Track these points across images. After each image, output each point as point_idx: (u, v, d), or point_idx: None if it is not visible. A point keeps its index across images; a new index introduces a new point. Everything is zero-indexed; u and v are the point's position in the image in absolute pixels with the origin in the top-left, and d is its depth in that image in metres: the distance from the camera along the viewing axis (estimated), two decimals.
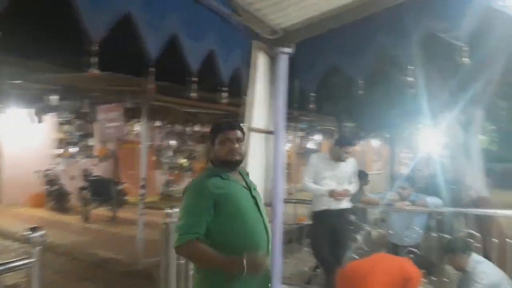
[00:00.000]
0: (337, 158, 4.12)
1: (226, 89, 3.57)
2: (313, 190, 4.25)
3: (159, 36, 2.67)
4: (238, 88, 3.87)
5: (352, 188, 4.16)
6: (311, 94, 4.36)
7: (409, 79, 4.05)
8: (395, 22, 3.89)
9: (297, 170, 12.37)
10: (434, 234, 4.05)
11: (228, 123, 2.19)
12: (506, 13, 3.46)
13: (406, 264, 3.22)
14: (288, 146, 12.33)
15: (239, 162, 2.15)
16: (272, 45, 3.87)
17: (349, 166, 4.16)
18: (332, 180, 4.13)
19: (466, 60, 3.61)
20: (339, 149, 4.07)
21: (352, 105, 8.82)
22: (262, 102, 4.05)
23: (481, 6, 3.43)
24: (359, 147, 14.57)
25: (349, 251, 4.10)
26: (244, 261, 1.85)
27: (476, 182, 5.11)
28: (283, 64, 3.70)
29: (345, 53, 4.26)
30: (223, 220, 1.97)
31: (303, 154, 14.83)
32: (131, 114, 7.70)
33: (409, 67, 3.96)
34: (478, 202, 4.95)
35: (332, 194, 4.02)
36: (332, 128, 13.36)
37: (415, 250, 3.88)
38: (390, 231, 4.14)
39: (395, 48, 4.08)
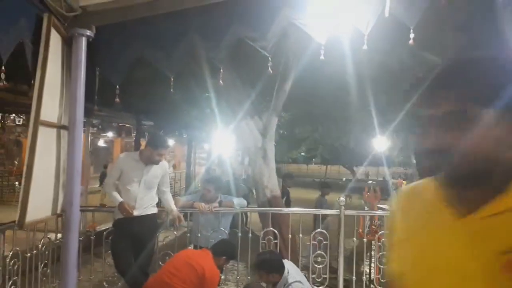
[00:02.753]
0: (149, 160, 3.75)
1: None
2: (110, 196, 3.80)
3: None
4: (24, 70, 3.07)
5: (164, 193, 3.96)
6: (115, 86, 3.88)
7: (220, 82, 4.07)
8: (208, 23, 3.84)
9: (88, 170, 11.17)
10: (239, 234, 4.19)
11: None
12: (303, 30, 3.84)
13: (204, 264, 3.21)
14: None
15: None
16: (68, 24, 3.23)
17: (160, 169, 3.85)
18: (141, 184, 3.75)
19: (269, 70, 3.84)
20: (153, 151, 3.71)
21: (153, 102, 8.51)
22: (55, 91, 3.34)
23: (284, 21, 3.69)
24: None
25: (152, 261, 3.82)
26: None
27: (270, 182, 5.64)
28: (81, 48, 3.13)
29: (155, 46, 3.97)
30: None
31: (93, 153, 13.55)
32: None
33: (217, 69, 3.97)
34: (271, 200, 5.45)
35: (120, 208, 3.67)
36: (129, 125, 12.70)
37: (227, 263, 3.91)
38: (198, 234, 4.05)
39: (206, 49, 4.03)
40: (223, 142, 11.89)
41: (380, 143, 17.73)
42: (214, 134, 12.04)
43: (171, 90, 3.75)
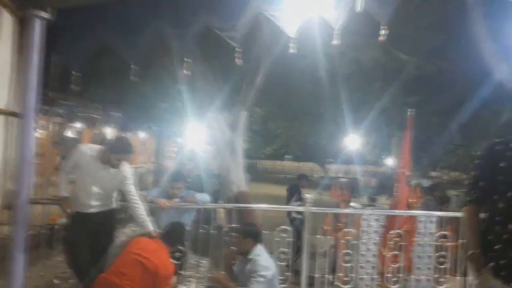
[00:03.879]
0: (108, 162, 3.50)
1: None
2: (59, 189, 3.57)
3: None
4: None
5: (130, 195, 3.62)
6: (75, 74, 3.65)
7: (186, 72, 3.91)
8: (176, 10, 3.67)
9: (52, 161, 10.73)
10: (201, 230, 4.06)
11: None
12: (273, 21, 3.71)
13: (157, 260, 3.06)
14: (41, 134, 10.53)
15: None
16: (22, 4, 3.01)
17: (120, 173, 3.57)
18: (96, 185, 3.50)
19: (239, 61, 3.70)
20: (111, 154, 3.47)
21: (121, 93, 8.21)
22: (5, 75, 3.11)
23: (254, 11, 3.57)
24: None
25: (109, 257, 3.62)
26: None
27: (238, 178, 5.51)
28: (38, 31, 2.91)
29: (120, 33, 3.77)
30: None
31: (60, 143, 13.04)
32: None
33: (186, 59, 3.81)
34: (238, 196, 5.34)
35: (61, 203, 3.52)
36: (97, 116, 12.29)
37: (182, 248, 3.76)
38: (158, 231, 3.87)
39: (174, 38, 3.86)
40: (195, 136, 11.69)
41: (352, 141, 17.96)
42: (185, 127, 11.82)
43: (138, 79, 3.56)
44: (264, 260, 3.36)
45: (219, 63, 5.41)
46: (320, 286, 4.10)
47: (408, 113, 5.05)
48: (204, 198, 4.20)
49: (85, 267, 3.44)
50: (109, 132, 12.41)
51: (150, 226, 3.54)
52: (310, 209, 3.94)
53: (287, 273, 3.94)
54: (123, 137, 4.53)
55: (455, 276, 4.08)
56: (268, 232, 3.97)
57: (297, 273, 4.12)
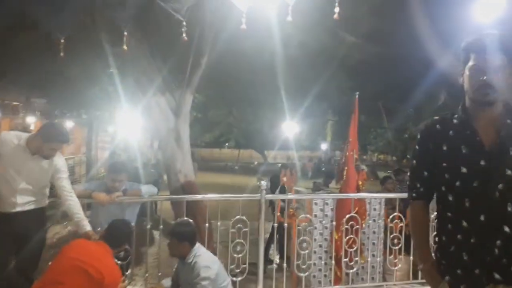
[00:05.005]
0: (37, 151, 2.98)
1: None
2: None
3: None
4: None
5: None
6: None
7: (122, 48, 3.47)
8: None
9: None
10: (148, 226, 3.66)
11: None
12: None
13: (102, 267, 2.67)
14: None
15: None
16: None
17: (52, 165, 3.06)
18: (23, 179, 2.96)
19: (183, 37, 3.35)
20: (43, 143, 2.95)
21: (45, 77, 7.36)
22: None
23: None
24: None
25: (39, 263, 3.13)
26: None
27: (184, 167, 5.15)
28: None
29: (40, 2, 3.23)
30: None
31: None
32: None
33: (121, 34, 3.38)
34: (185, 186, 4.99)
35: None
36: (17, 103, 11.06)
37: (127, 247, 3.36)
38: (98, 229, 3.42)
39: (107, 7, 3.40)
40: (130, 124, 10.97)
41: (290, 127, 18.24)
42: (119, 114, 11.05)
43: (63, 58, 3.06)
44: (204, 260, 3.12)
45: (160, 40, 4.94)
46: (276, 275, 3.94)
47: (356, 96, 5.01)
48: (151, 190, 3.80)
49: (7, 273, 2.94)
50: (32, 120, 11.25)
51: (88, 226, 3.10)
52: (266, 197, 3.73)
53: (244, 265, 3.71)
54: (56, 123, 3.92)
55: (407, 256, 4.14)
56: (221, 224, 3.70)
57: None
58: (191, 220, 3.40)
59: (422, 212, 1.72)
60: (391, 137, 18.33)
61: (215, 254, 3.57)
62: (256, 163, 31.25)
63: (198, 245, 3.24)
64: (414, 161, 1.71)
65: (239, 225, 3.77)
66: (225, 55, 5.79)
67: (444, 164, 1.58)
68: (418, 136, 1.72)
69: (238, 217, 3.76)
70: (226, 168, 30.26)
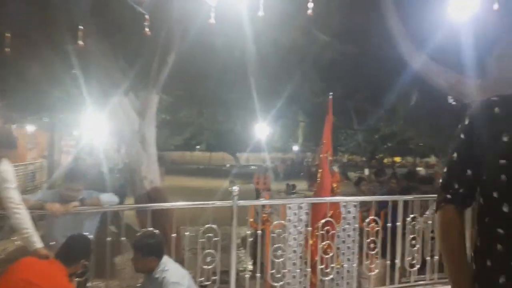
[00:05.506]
0: None
1: None
2: None
3: None
4: None
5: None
6: None
7: (80, 42, 3.17)
8: None
9: None
10: (109, 238, 3.35)
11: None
12: None
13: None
14: None
15: None
16: None
17: None
18: None
19: (146, 31, 3.10)
20: None
21: (2, 78, 6.86)
22: None
23: None
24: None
25: None
26: None
27: (150, 172, 4.84)
28: None
29: None
30: None
31: None
32: None
33: (80, 27, 3.09)
34: (151, 193, 4.69)
35: None
36: None
37: (86, 262, 3.05)
38: (51, 243, 3.09)
39: (62, 4, 3.10)
40: (95, 127, 10.49)
41: (262, 129, 18.07)
42: (84, 117, 10.54)
43: (6, 49, 2.74)
44: (173, 276, 2.83)
45: (123, 37, 4.63)
46: (250, 283, 3.73)
47: (330, 97, 4.88)
48: (111, 199, 3.48)
49: None
50: None
51: (38, 243, 2.77)
52: (238, 203, 3.51)
53: (213, 277, 3.47)
54: (2, 127, 3.57)
55: (383, 260, 4.04)
56: (190, 230, 3.44)
57: None
58: (156, 231, 3.11)
59: (458, 221, 1.28)
60: (361, 139, 18.51)
61: (183, 262, 3.32)
62: (228, 165, 30.95)
63: (165, 258, 2.96)
64: (455, 154, 1.30)
65: (209, 234, 3.53)
66: (194, 53, 5.54)
67: (502, 162, 1.17)
68: (466, 122, 1.30)
69: (208, 226, 3.52)
70: (197, 171, 29.81)
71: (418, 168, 21.55)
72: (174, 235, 3.45)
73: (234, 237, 3.55)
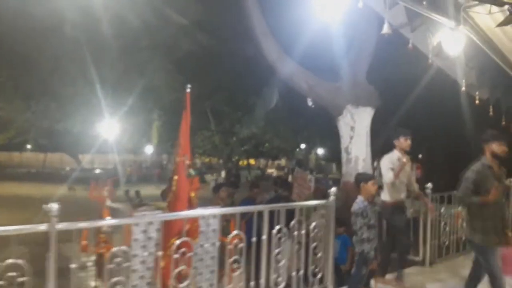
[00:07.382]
0: None
1: None
2: None
3: None
4: None
5: None
6: None
7: None
8: None
9: None
10: None
11: None
12: None
13: None
14: None
15: None
16: None
17: None
18: None
19: None
20: None
21: None
22: None
23: None
24: None
25: None
26: None
27: None
28: None
29: None
30: None
31: None
32: None
33: None
34: None
35: None
36: None
37: None
38: None
39: None
40: None
41: (110, 127, 16.16)
42: None
43: None
44: None
45: None
46: None
47: (188, 89, 4.13)
48: None
49: None
50: None
51: None
52: (56, 227, 2.46)
53: None
54: None
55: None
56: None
57: None
58: None
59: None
60: (218, 141, 18.34)
61: None
62: (68, 168, 27.30)
63: None
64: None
65: (12, 273, 2.40)
66: (13, 28, 4.15)
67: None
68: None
69: (11, 261, 2.39)
70: (28, 176, 25.45)
71: (270, 170, 22.55)
72: None
73: (52, 275, 2.50)
